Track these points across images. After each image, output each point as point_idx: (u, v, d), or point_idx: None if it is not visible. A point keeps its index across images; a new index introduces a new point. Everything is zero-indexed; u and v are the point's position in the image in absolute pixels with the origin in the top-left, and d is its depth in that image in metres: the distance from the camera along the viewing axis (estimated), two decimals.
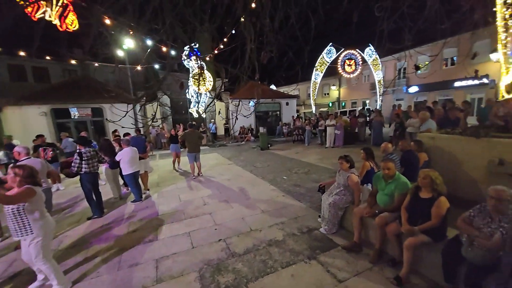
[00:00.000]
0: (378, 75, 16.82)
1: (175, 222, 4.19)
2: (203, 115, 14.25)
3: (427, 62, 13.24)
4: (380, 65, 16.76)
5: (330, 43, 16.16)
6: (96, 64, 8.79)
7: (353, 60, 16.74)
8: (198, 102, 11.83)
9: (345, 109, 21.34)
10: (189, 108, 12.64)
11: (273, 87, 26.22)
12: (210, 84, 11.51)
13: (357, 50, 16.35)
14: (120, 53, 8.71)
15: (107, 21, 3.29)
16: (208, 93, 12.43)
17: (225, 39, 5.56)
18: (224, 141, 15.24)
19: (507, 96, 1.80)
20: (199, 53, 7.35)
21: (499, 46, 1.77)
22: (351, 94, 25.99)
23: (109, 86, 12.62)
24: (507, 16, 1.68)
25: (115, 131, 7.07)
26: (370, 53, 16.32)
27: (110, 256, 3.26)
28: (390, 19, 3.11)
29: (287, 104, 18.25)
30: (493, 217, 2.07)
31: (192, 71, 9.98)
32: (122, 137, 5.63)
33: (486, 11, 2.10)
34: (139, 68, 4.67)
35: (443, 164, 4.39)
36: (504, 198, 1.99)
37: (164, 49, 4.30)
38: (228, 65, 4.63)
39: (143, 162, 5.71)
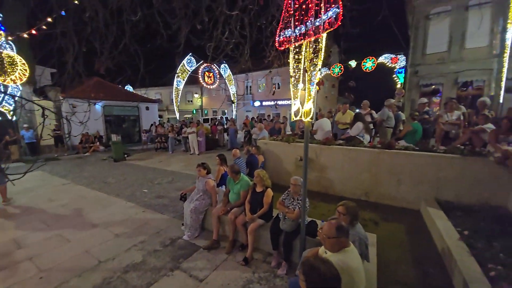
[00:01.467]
0: (232, 89, 19.59)
1: None
2: (12, 118, 9.78)
3: (263, 84, 17.20)
4: (234, 80, 19.63)
5: (190, 53, 16.74)
6: None
7: (212, 73, 18.36)
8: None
9: (207, 117, 22.87)
10: None
11: (129, 88, 22.89)
12: (24, 74, 8.14)
13: (214, 64, 18.13)
14: None
15: None
16: (20, 87, 8.71)
17: (49, 19, 4.25)
18: (55, 154, 11.32)
19: (296, 118, 2.81)
20: (3, 28, 5.06)
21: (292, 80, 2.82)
22: (212, 104, 28.27)
23: None
24: (295, 66, 2.67)
25: None
26: (225, 69, 18.65)
27: None
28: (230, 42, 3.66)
29: (147, 108, 16.67)
30: (294, 197, 3.16)
31: None
32: None
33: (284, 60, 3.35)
34: None
35: (273, 162, 5.99)
36: (298, 183, 3.09)
37: None
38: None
39: None
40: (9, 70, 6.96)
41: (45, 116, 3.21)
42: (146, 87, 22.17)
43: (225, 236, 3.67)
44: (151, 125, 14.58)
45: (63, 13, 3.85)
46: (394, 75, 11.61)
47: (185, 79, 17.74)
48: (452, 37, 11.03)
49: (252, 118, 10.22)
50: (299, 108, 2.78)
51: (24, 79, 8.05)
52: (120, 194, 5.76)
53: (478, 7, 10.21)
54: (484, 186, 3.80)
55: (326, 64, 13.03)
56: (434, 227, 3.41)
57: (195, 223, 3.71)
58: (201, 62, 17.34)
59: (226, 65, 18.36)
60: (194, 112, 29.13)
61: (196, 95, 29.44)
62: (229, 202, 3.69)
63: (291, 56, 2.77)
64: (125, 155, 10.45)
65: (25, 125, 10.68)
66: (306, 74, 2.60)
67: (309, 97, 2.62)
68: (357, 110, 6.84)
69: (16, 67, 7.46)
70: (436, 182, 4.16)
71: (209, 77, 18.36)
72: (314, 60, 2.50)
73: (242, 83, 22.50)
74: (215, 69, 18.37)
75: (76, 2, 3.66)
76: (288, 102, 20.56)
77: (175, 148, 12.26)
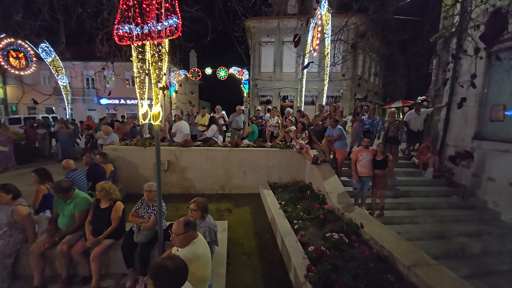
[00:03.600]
0: (62, 80, 14.72)
1: None
2: None
3: (113, 78, 14.48)
4: (64, 69, 14.84)
5: None
6: None
7: (22, 53, 12.79)
8: None
9: (18, 116, 15.73)
10: None
11: None
12: None
13: (27, 42, 12.75)
14: None
15: None
16: None
17: None
18: None
19: (144, 121, 2.67)
20: None
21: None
22: (26, 97, 19.69)
23: None
24: (139, 66, 2.53)
25: None
26: (47, 51, 13.65)
27: None
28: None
29: None
30: (149, 205, 3.00)
31: None
32: None
33: None
34: None
35: (127, 171, 5.30)
36: (152, 189, 2.98)
37: None
38: None
39: None
40: None
41: None
42: None
43: (55, 276, 2.81)
44: None
45: None
46: (241, 85, 13.92)
47: None
48: (275, 62, 14.98)
49: (103, 119, 8.21)
50: (147, 111, 2.69)
51: None
52: None
53: (288, 43, 14.54)
54: (293, 168, 5.59)
55: (181, 67, 13.23)
56: (266, 203, 4.57)
57: (0, 273, 2.53)
58: (2, 35, 11.56)
59: (48, 45, 13.47)
60: None
61: None
62: (59, 230, 2.86)
63: (134, 54, 2.62)
64: None
65: None
66: (150, 76, 2.57)
67: (157, 100, 2.61)
68: (212, 114, 7.57)
69: None
70: (267, 169, 5.57)
71: (16, 58, 12.62)
72: (159, 63, 2.53)
73: (81, 71, 17.50)
74: (29, 48, 12.92)
75: None
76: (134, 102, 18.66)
77: None
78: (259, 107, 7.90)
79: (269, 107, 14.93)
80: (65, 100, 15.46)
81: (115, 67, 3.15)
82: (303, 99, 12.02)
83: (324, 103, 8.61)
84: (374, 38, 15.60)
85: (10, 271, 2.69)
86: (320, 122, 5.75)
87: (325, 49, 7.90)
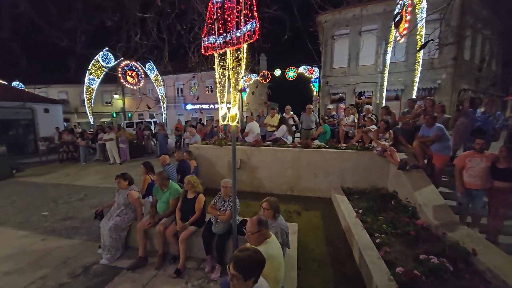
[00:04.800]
0: (160, 91, 18.15)
1: None
2: None
3: (196, 86, 16.74)
4: (162, 81, 18.24)
5: (106, 48, 14.54)
6: None
7: (135, 72, 16.49)
8: None
9: (132, 121, 20.35)
10: None
11: (18, 85, 17.90)
12: None
13: (138, 63, 16.36)
14: None
15: None
16: None
17: None
18: None
19: (223, 123, 2.91)
20: None
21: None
22: (137, 106, 25.33)
23: None
24: (220, 72, 2.76)
25: None
26: (151, 69, 17.11)
27: None
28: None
29: (46, 111, 13.44)
30: (225, 199, 3.24)
31: None
32: None
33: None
34: None
35: (206, 167, 5.93)
36: (228, 186, 3.20)
37: None
38: None
39: None
40: None
41: None
42: (36, 84, 17.82)
43: (154, 251, 3.40)
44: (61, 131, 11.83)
45: None
46: (311, 84, 13.44)
47: (101, 77, 15.24)
48: (350, 56, 13.70)
49: (188, 121, 9.78)
50: (226, 113, 2.90)
51: None
52: (6, 222, 4.47)
53: (367, 32, 13.03)
54: (372, 173, 4.91)
55: (255, 71, 13.88)
56: (340, 210, 4.17)
57: (116, 243, 3.28)
58: (121, 59, 15.32)
59: (152, 64, 16.85)
60: (115, 115, 25.36)
61: (116, 96, 25.70)
62: (157, 213, 3.45)
63: (216, 62, 2.87)
64: (13, 171, 8.13)
65: None
66: (230, 80, 2.75)
67: (235, 103, 2.77)
68: (282, 115, 7.59)
69: None
70: (341, 173, 5.10)
71: (131, 76, 16.40)
72: (237, 68, 2.68)
73: (172, 85, 21.28)
74: (139, 67, 16.58)
75: None
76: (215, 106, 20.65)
77: (89, 158, 10.39)
78: (330, 106, 7.37)
79: (341, 105, 13.82)
80: (162, 107, 18.92)
81: (199, 76, 3.61)
82: (384, 94, 10.51)
83: (415, 97, 7.20)
84: (488, 10, 12.08)
85: (123, 242, 3.42)
86: (411, 120, 4.81)
87: (418, 31, 6.61)
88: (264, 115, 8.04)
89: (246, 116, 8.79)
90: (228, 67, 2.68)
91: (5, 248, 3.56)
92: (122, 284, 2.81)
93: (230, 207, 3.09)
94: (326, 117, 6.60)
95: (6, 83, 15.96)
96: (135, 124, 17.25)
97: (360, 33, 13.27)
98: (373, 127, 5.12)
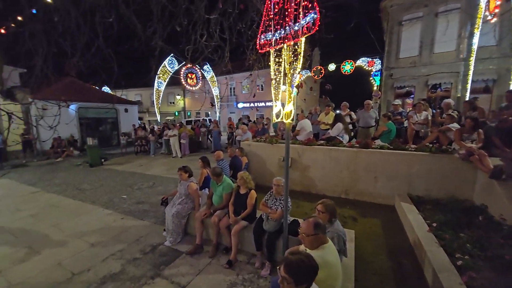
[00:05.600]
0: (215, 91, 19.43)
1: None
2: None
3: (248, 85, 17.24)
4: (216, 82, 19.48)
5: (171, 54, 16.36)
6: None
7: (194, 74, 18.07)
8: None
9: (190, 119, 22.43)
10: None
11: (106, 89, 21.89)
12: None
13: (197, 66, 17.87)
14: None
15: None
16: None
17: (19, 18, 3.97)
18: (23, 160, 10.53)
19: (277, 120, 2.86)
20: None
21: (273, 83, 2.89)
22: (195, 105, 27.79)
23: None
24: (276, 68, 2.72)
25: None
26: (208, 71, 18.46)
27: None
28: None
29: (126, 110, 16.04)
30: (276, 197, 3.20)
31: None
32: None
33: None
34: None
35: (256, 164, 6.02)
36: (280, 184, 3.14)
37: None
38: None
39: None
40: None
41: (12, 121, 3.00)
42: (122, 89, 21.32)
43: (209, 240, 3.62)
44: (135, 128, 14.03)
45: (34, 11, 3.62)
46: (371, 78, 12.16)
47: (167, 80, 17.30)
48: (422, 42, 11.77)
49: (240, 119, 10.28)
50: (280, 110, 2.83)
51: None
52: (96, 201, 5.49)
53: (447, 13, 10.97)
54: (451, 181, 4.10)
55: (306, 66, 13.39)
56: (406, 221, 3.61)
57: (178, 228, 3.63)
58: (183, 63, 17.02)
59: (209, 66, 18.17)
60: (177, 114, 28.46)
61: (178, 97, 28.81)
62: (213, 205, 3.66)
63: (271, 59, 2.82)
64: (102, 160, 9.97)
65: None
66: (286, 76, 2.66)
67: (290, 99, 2.68)
68: (337, 112, 7.08)
69: None
70: (408, 178, 4.42)
71: (191, 78, 18.05)
72: (294, 63, 2.57)
73: (224, 84, 22.56)
74: (198, 70, 18.11)
75: (49, 0, 3.46)
76: (271, 103, 20.81)
77: (157, 151, 11.92)
78: (397, 101, 6.47)
79: (408, 100, 12.06)
80: (216, 106, 20.22)
81: (255, 74, 3.66)
82: (469, 86, 8.68)
83: None
84: None
85: (183, 229, 3.75)
86: (511, 118, 3.80)
87: None
88: (317, 112, 7.65)
89: (297, 114, 8.57)
90: (285, 62, 2.59)
91: (95, 223, 4.37)
92: (182, 266, 3.08)
93: (281, 206, 3.03)
94: (392, 114, 5.80)
95: (97, 87, 19.71)
96: (193, 122, 18.92)
97: (437, 14, 11.25)
98: (455, 125, 4.25)
